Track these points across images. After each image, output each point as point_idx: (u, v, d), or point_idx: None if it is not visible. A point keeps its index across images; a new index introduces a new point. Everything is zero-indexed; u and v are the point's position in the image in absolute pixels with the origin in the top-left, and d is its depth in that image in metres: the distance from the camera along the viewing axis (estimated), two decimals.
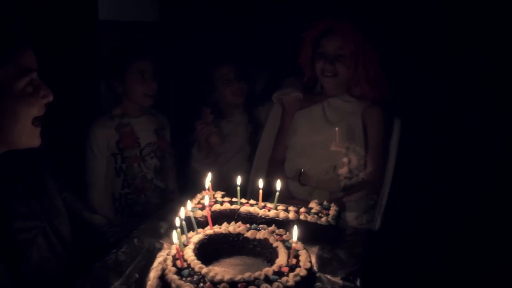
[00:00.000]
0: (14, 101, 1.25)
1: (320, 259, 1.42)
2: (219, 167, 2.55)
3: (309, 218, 1.55)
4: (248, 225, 1.51)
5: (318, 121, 2.32)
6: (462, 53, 2.48)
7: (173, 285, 1.23)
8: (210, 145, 2.51)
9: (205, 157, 2.55)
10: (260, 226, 1.51)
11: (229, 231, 1.48)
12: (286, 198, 2.20)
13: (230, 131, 2.68)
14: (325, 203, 1.68)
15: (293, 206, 1.67)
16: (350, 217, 1.71)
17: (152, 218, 1.77)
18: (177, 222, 1.37)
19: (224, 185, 1.95)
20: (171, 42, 3.20)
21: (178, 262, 1.31)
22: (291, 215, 1.57)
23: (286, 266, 1.28)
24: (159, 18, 3.25)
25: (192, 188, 2.48)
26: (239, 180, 1.70)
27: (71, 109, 2.51)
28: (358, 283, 1.29)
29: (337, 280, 1.31)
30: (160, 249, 1.50)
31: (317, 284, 1.29)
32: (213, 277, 1.22)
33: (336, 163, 2.26)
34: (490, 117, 2.43)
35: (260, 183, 1.70)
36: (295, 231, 1.34)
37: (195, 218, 1.53)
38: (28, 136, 1.32)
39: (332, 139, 2.27)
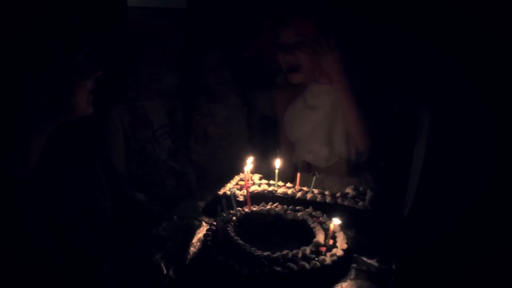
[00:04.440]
0: (72, 75, 1.29)
1: (356, 242, 1.43)
2: (224, 151, 2.58)
3: (346, 202, 1.57)
4: (285, 206, 1.54)
5: (303, 112, 2.25)
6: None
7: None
8: (208, 135, 2.51)
9: (204, 148, 2.56)
10: (297, 207, 1.54)
11: (267, 211, 1.51)
12: None
13: (229, 114, 2.67)
14: (361, 189, 1.69)
15: (329, 191, 1.68)
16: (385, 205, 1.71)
17: (190, 198, 1.81)
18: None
19: (232, 169, 1.97)
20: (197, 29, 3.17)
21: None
22: (328, 199, 1.59)
23: (324, 246, 1.31)
24: (187, 4, 3.23)
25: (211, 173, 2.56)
26: (277, 163, 1.72)
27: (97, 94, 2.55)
28: (393, 266, 1.31)
29: (373, 262, 1.32)
30: (199, 226, 1.54)
31: (353, 265, 1.31)
32: (252, 252, 1.26)
33: (331, 145, 2.22)
34: None
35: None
36: (336, 219, 1.36)
37: (235, 197, 1.56)
38: (83, 108, 1.36)
39: (319, 124, 2.21)
